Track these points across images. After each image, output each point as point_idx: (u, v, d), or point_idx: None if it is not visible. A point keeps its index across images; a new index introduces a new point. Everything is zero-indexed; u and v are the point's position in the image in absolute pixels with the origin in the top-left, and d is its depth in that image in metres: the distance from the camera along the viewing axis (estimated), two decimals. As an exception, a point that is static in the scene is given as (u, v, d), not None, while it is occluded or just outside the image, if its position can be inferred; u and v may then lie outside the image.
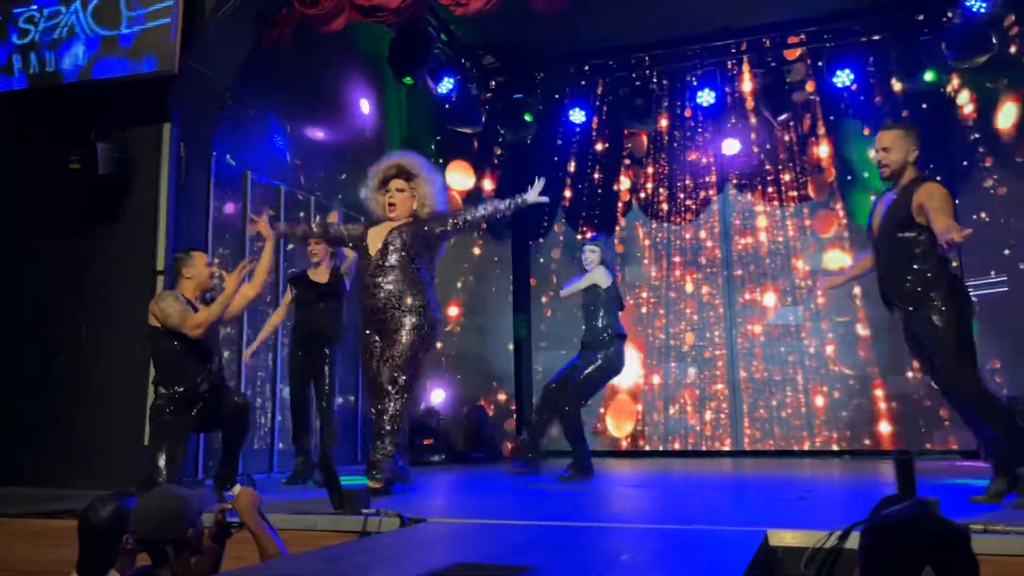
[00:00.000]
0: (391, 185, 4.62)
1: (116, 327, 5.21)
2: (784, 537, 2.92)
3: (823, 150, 7.77)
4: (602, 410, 8.00)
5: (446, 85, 7.62)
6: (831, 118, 7.74)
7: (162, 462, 4.21)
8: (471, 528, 3.40)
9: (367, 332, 4.58)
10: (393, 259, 4.51)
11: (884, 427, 7.27)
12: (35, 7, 5.46)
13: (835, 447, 7.39)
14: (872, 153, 4.75)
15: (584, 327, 5.58)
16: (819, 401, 7.49)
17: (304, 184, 6.89)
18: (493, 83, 8.34)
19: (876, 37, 7.33)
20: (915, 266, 3.76)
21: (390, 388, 4.37)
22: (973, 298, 3.92)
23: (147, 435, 4.60)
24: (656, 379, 7.95)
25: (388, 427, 4.36)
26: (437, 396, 7.98)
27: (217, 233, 5.88)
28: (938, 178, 4.75)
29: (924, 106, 7.36)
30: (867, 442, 7.31)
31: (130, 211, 5.36)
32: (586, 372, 5.45)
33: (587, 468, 5.34)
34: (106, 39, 5.28)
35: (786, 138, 7.89)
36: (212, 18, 5.37)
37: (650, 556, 2.64)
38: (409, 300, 4.46)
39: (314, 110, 7.05)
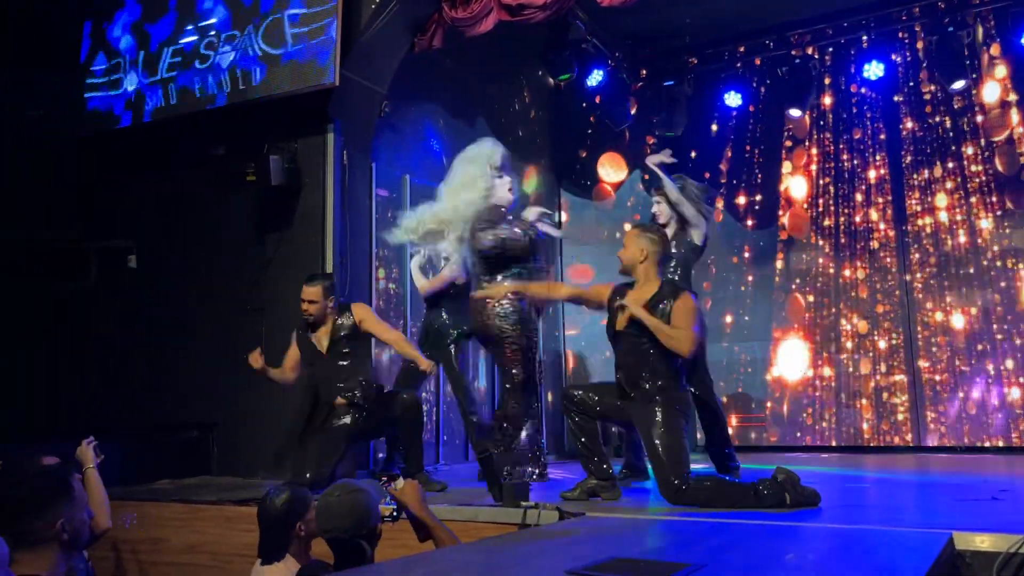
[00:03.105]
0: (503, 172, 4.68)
1: (290, 328, 5.54)
2: (973, 540, 2.69)
3: (1012, 118, 7.08)
4: (770, 404, 7.70)
5: (596, 77, 7.57)
6: (1020, 83, 7.03)
7: (312, 463, 4.48)
8: (630, 522, 3.36)
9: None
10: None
11: (1096, 421, 6.54)
12: (213, 33, 5.90)
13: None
14: None
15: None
16: (1015, 393, 6.84)
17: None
18: (644, 72, 8.20)
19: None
20: None
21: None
22: None
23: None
24: (827, 371, 7.54)
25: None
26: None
27: (379, 235, 6.13)
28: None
29: None
30: (1075, 438, 6.60)
31: (300, 218, 5.69)
32: None
33: None
34: (274, 57, 5.63)
35: (967, 108, 7.25)
36: (368, 29, 5.61)
37: (818, 556, 2.50)
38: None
39: (467, 111, 7.20)
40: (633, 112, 8.03)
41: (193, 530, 4.34)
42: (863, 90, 7.65)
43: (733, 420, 7.71)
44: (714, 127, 8.18)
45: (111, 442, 3.76)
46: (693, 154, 8.21)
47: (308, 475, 4.37)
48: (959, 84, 6.93)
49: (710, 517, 3.36)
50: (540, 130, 8.01)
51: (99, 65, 6.39)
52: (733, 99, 7.88)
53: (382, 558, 2.93)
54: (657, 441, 3.70)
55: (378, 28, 5.64)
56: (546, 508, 3.46)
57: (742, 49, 7.91)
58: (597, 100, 7.84)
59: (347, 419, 4.65)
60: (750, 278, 7.93)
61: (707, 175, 8.16)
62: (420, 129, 6.75)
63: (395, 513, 2.90)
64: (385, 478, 3.04)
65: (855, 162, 7.68)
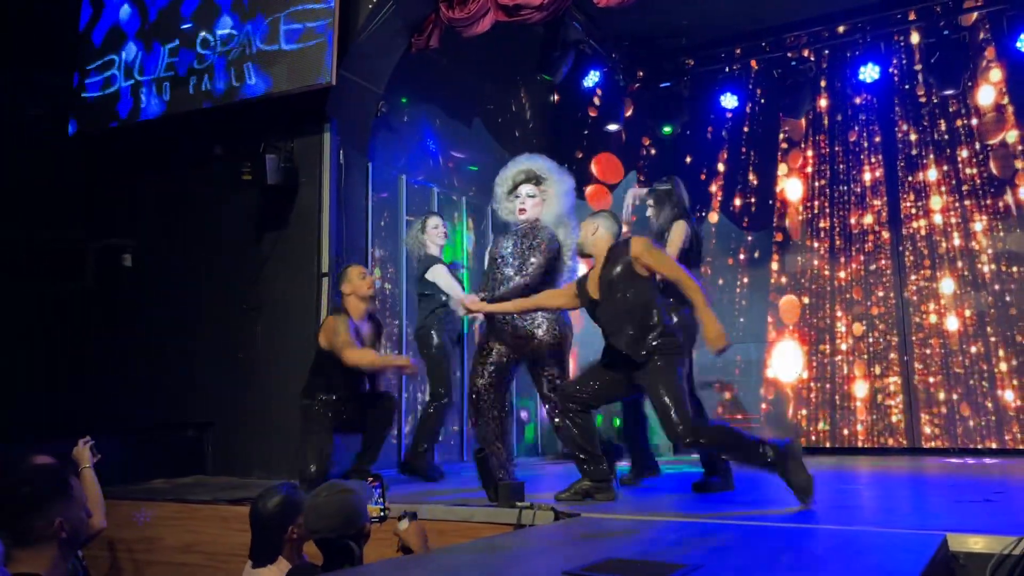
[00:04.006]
0: (521, 191, 4.63)
1: (287, 328, 5.55)
2: (967, 542, 2.71)
3: (1007, 122, 7.10)
4: (764, 406, 7.71)
5: (592, 79, 7.58)
6: (1015, 86, 7.06)
7: (313, 455, 4.46)
8: (626, 523, 3.36)
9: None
10: (514, 268, 4.54)
11: (1088, 424, 6.57)
12: (207, 31, 5.90)
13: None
14: None
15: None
16: (1008, 395, 6.87)
17: (457, 185, 7.08)
18: (640, 73, 8.22)
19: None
20: None
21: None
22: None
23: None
24: (822, 373, 7.56)
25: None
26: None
27: (375, 235, 6.14)
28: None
29: None
30: (1067, 440, 6.63)
31: (296, 217, 5.69)
32: None
33: None
34: (271, 56, 5.63)
35: (962, 111, 7.28)
36: (365, 29, 5.61)
37: (813, 557, 2.51)
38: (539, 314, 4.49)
39: (464, 112, 7.21)
40: (629, 113, 8.04)
41: (188, 529, 4.34)
42: (858, 95, 7.67)
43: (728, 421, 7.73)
44: (710, 129, 8.19)
45: (107, 441, 3.75)
46: (688, 159, 8.25)
47: (313, 468, 4.38)
48: (954, 87, 6.95)
49: (706, 518, 3.37)
50: (536, 131, 8.02)
51: (98, 34, 6.38)
52: (729, 101, 7.89)
53: (377, 558, 2.93)
54: (662, 391, 3.71)
55: (375, 28, 5.64)
56: (541, 509, 3.47)
57: (738, 51, 7.93)
58: (595, 101, 7.85)
59: (331, 412, 4.66)
60: (745, 279, 7.95)
61: (703, 176, 8.20)
62: (417, 129, 6.75)
63: (383, 513, 2.91)
64: (371, 478, 3.05)
65: (850, 164, 7.71)
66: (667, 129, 7.93)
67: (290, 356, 5.37)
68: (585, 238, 4.12)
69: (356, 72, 5.71)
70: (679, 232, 4.71)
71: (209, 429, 5.80)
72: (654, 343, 3.79)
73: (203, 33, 5.92)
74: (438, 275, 5.35)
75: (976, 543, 2.68)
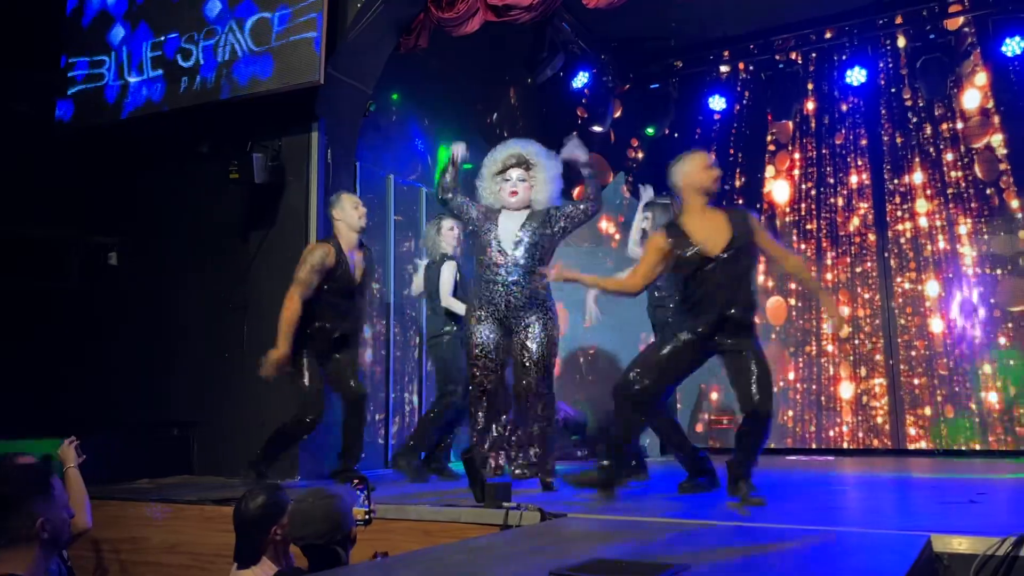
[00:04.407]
0: (511, 174, 4.60)
1: (273, 327, 5.49)
2: (951, 543, 2.73)
3: (991, 125, 7.16)
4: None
5: (581, 80, 7.59)
6: (999, 91, 7.12)
7: (311, 388, 4.69)
8: (612, 524, 3.37)
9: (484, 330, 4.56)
10: (521, 252, 4.50)
11: (1070, 425, 6.63)
12: (196, 17, 5.86)
13: (1012, 447, 6.79)
14: None
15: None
16: (992, 397, 6.92)
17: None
18: (629, 75, 8.23)
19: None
20: None
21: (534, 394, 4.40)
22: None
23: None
24: (807, 374, 7.60)
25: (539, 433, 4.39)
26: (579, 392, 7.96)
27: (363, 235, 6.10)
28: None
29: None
30: (1050, 442, 6.68)
31: (283, 217, 5.66)
32: None
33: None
34: (258, 54, 5.60)
35: (948, 114, 7.34)
36: (354, 28, 5.59)
37: (798, 558, 2.52)
38: (538, 297, 4.47)
39: (453, 111, 7.19)
40: (618, 114, 8.05)
41: (173, 530, 4.31)
42: (845, 98, 7.72)
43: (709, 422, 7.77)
44: (698, 130, 8.21)
45: (92, 440, 3.73)
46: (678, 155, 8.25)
47: (312, 397, 4.74)
48: (940, 91, 7.01)
49: (693, 518, 3.38)
50: (525, 131, 7.98)
51: (86, 18, 6.31)
52: (717, 103, 7.92)
53: (362, 559, 2.92)
54: (760, 363, 3.79)
55: (364, 27, 5.61)
56: (528, 509, 3.47)
57: (727, 53, 7.96)
58: (583, 102, 7.86)
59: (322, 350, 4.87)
60: (732, 281, 7.96)
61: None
62: (405, 129, 6.74)
63: (369, 515, 2.90)
64: (356, 480, 3.04)
65: (837, 167, 7.75)
66: (650, 130, 7.96)
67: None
68: (706, 184, 3.96)
69: (344, 71, 5.69)
70: None
71: (195, 428, 5.76)
72: (754, 315, 3.92)
73: (191, 19, 5.86)
74: (444, 271, 5.42)
75: (960, 544, 2.70)
